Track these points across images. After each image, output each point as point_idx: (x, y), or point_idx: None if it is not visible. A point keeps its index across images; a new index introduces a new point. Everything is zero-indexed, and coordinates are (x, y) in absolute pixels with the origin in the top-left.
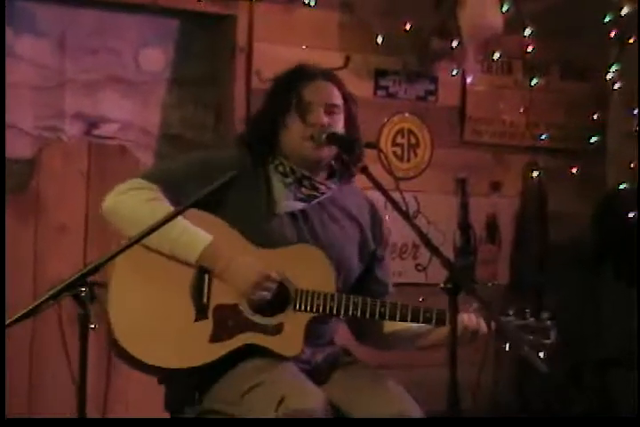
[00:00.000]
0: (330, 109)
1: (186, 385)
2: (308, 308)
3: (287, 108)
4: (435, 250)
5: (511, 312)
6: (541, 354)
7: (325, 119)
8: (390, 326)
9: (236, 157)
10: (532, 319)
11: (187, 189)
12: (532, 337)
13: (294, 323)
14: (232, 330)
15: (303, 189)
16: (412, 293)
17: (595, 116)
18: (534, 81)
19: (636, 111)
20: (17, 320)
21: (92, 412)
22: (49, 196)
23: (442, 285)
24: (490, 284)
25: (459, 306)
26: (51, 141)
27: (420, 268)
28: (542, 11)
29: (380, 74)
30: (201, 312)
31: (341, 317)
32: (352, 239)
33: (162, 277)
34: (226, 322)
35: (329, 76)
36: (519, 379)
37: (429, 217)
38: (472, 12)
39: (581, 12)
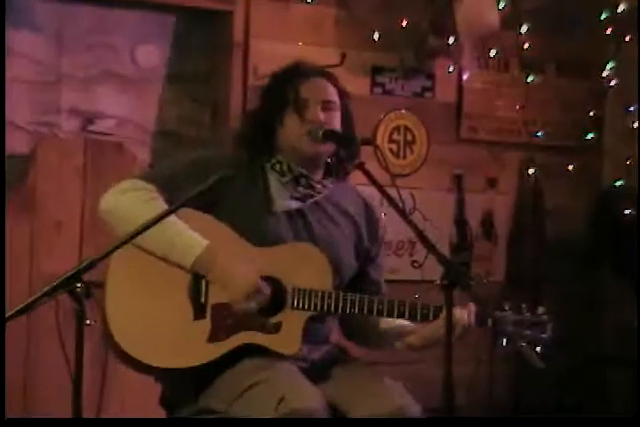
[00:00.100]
0: (326, 106)
1: (183, 384)
2: (306, 306)
3: (284, 105)
4: (431, 247)
5: (507, 307)
6: (538, 349)
7: (322, 116)
8: (385, 324)
9: (233, 155)
10: (528, 314)
11: (184, 190)
12: (528, 332)
13: (292, 321)
14: (230, 329)
15: (300, 189)
16: (408, 290)
17: (591, 113)
18: (530, 78)
19: (632, 108)
20: (12, 316)
21: (88, 411)
22: (45, 192)
23: (438, 281)
24: (485, 280)
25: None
26: (46, 137)
27: (416, 264)
28: (539, 8)
29: (376, 71)
30: (199, 312)
31: (339, 314)
32: (348, 238)
33: (159, 276)
34: (224, 321)
35: (324, 73)
36: (515, 376)
37: (425, 214)
38: (468, 9)
39: (578, 9)
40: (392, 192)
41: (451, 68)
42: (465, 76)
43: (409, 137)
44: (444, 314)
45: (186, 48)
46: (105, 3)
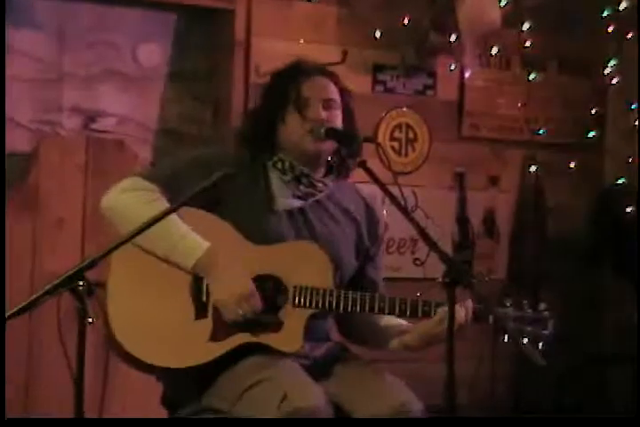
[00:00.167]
0: (328, 105)
1: (185, 383)
2: (307, 304)
3: (285, 103)
4: (433, 244)
5: (508, 304)
6: (539, 345)
7: (324, 114)
8: (383, 323)
9: (235, 154)
10: (529, 311)
11: (185, 188)
12: (529, 328)
13: (294, 319)
14: (231, 328)
15: (301, 187)
16: (410, 287)
17: (593, 111)
18: (532, 76)
19: (634, 106)
20: (14, 315)
21: (89, 411)
22: (47, 190)
23: (440, 279)
24: (487, 278)
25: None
26: (48, 135)
27: (418, 262)
28: (540, 5)
29: (377, 69)
30: (200, 311)
31: (341, 312)
32: (349, 237)
33: (160, 275)
34: (225, 320)
35: (326, 71)
36: (516, 375)
37: (427, 211)
38: (470, 7)
39: (579, 7)
40: (394, 190)
41: (452, 66)
42: (466, 74)
43: (411, 135)
44: (436, 311)
45: (187, 46)
46: (107, 1)
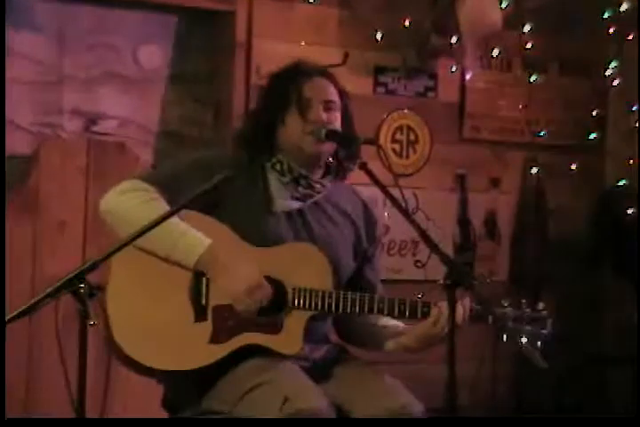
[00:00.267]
0: (328, 106)
1: (185, 386)
2: (307, 306)
3: (286, 104)
4: (434, 246)
5: (507, 304)
6: (538, 344)
7: (324, 116)
8: (380, 324)
9: (231, 155)
10: (528, 310)
11: (184, 190)
12: (528, 328)
13: (293, 321)
14: (231, 331)
15: (300, 189)
16: (411, 289)
17: (594, 113)
18: (533, 77)
19: (635, 107)
20: (15, 317)
21: (90, 414)
22: (48, 192)
23: (441, 281)
24: (489, 280)
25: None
26: (49, 138)
27: (419, 264)
28: (541, 7)
29: (379, 70)
30: (200, 313)
31: (339, 314)
32: (347, 239)
33: (160, 278)
34: (225, 323)
35: (325, 72)
36: (516, 376)
37: (428, 213)
38: (471, 9)
39: (580, 9)
40: (395, 192)
41: (453, 68)
42: (467, 76)
43: (412, 137)
44: (433, 312)
45: (188, 48)
46: (106, 3)
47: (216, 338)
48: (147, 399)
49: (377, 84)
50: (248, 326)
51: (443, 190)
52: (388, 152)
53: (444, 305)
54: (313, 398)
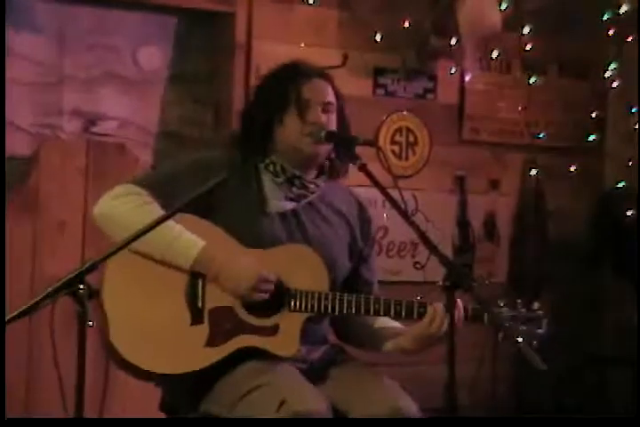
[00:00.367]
0: (326, 108)
1: (183, 389)
2: (303, 307)
3: (285, 105)
4: (433, 248)
5: (502, 304)
6: (534, 343)
7: (323, 117)
8: (378, 325)
9: (226, 156)
10: (523, 310)
11: (177, 193)
12: (524, 327)
13: (290, 323)
14: (228, 333)
15: (294, 189)
16: (410, 291)
17: (593, 115)
18: (533, 79)
19: (634, 109)
20: (14, 318)
21: (89, 414)
22: (47, 193)
23: (440, 283)
24: (488, 282)
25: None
26: (49, 139)
27: (418, 266)
28: (541, 8)
29: (378, 72)
30: (196, 316)
31: (336, 315)
32: (342, 239)
33: (155, 282)
34: (222, 325)
35: (323, 74)
36: (516, 376)
37: (428, 215)
38: (471, 10)
39: (580, 10)
40: (394, 194)
41: (453, 70)
42: (467, 78)
43: (411, 138)
44: (429, 311)
45: (188, 49)
46: (106, 4)
47: (213, 341)
48: (145, 402)
49: (376, 85)
50: (244, 329)
51: (442, 192)
52: (387, 154)
53: (439, 305)
54: (310, 401)
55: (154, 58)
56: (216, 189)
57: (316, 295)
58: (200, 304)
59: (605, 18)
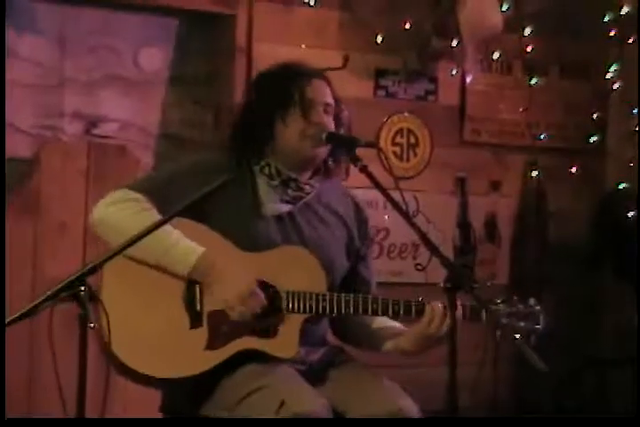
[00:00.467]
0: (326, 109)
1: (183, 393)
2: (301, 309)
3: (288, 104)
4: (434, 249)
5: (499, 300)
6: (532, 339)
7: (325, 118)
8: (377, 325)
9: (221, 159)
10: (520, 306)
11: (174, 197)
12: (522, 324)
13: (288, 325)
14: (227, 336)
15: (289, 191)
16: (411, 292)
17: (594, 116)
18: (534, 80)
19: (635, 111)
20: (15, 320)
21: (91, 412)
22: (48, 195)
23: (441, 284)
24: (489, 283)
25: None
26: (50, 141)
27: (419, 267)
28: (542, 10)
29: (379, 73)
30: (195, 320)
31: (334, 315)
32: (339, 239)
33: (153, 286)
34: (220, 328)
35: (322, 75)
36: (517, 378)
37: (429, 216)
38: (472, 12)
39: (581, 12)
40: (395, 195)
41: (454, 71)
42: (468, 79)
43: (412, 140)
44: (427, 311)
45: (188, 51)
46: (108, 6)
47: (212, 344)
48: (145, 404)
49: (377, 87)
50: (244, 331)
51: (443, 193)
52: (388, 155)
53: (437, 304)
54: (309, 402)
55: (155, 60)
56: (212, 192)
57: (314, 296)
58: (198, 308)
59: (607, 19)
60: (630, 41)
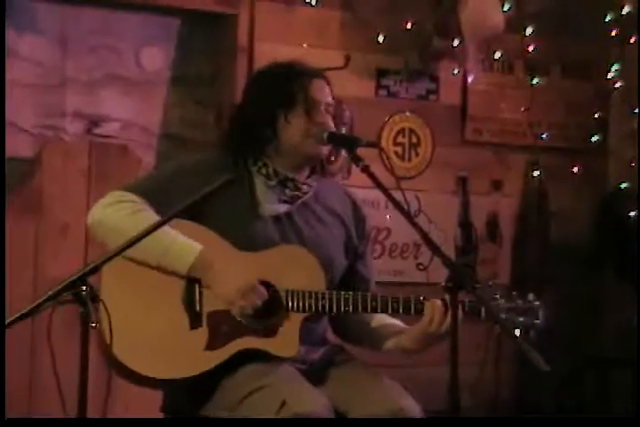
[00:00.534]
0: (327, 108)
1: (184, 393)
2: (300, 307)
3: (291, 103)
4: (436, 249)
5: (498, 296)
6: (532, 333)
7: (327, 118)
8: (376, 322)
9: (219, 159)
10: (520, 301)
11: (170, 197)
12: (522, 319)
13: (288, 324)
14: (227, 336)
15: (287, 191)
16: (413, 292)
17: (596, 115)
18: (535, 80)
19: (636, 110)
20: (17, 320)
21: (92, 412)
22: (50, 195)
23: (443, 284)
24: (491, 282)
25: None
26: (52, 140)
27: (421, 267)
28: (543, 10)
29: (381, 73)
30: (195, 320)
31: (334, 314)
32: (337, 238)
33: (152, 287)
34: (220, 328)
35: (323, 75)
36: (519, 377)
37: (430, 216)
38: (473, 11)
39: (582, 11)
40: (397, 195)
41: (455, 71)
42: (469, 79)
43: (414, 139)
44: (427, 310)
45: (190, 51)
46: (109, 6)
47: (212, 344)
48: (147, 404)
49: (379, 86)
50: (244, 331)
51: (445, 193)
52: (390, 155)
53: (437, 302)
54: (310, 402)
55: (156, 59)
56: (213, 192)
57: (313, 295)
58: (198, 308)
59: (608, 19)
60: (631, 41)
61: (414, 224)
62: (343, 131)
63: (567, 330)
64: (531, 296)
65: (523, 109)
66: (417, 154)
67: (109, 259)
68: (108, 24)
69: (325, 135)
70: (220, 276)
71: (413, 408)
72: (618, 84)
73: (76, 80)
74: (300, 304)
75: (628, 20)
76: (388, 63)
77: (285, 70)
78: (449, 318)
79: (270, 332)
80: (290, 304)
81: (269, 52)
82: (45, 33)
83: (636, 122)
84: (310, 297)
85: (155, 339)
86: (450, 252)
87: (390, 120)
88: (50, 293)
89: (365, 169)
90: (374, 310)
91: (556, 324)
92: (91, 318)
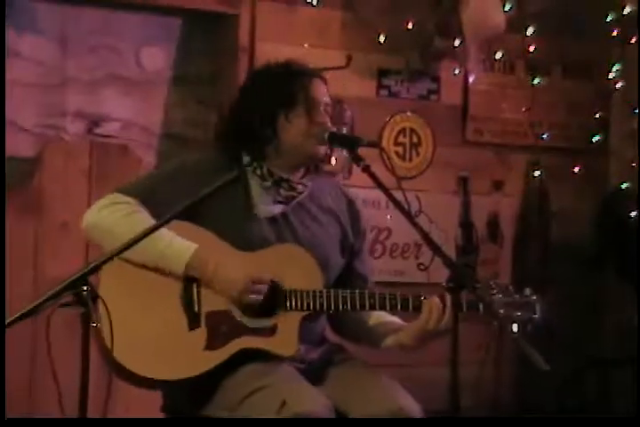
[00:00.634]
0: (326, 108)
1: (184, 394)
2: (299, 306)
3: (292, 103)
4: (437, 249)
5: (495, 291)
6: (528, 328)
7: (327, 118)
8: (374, 320)
9: (215, 160)
10: (516, 296)
11: (165, 198)
12: (519, 313)
13: (287, 322)
14: (226, 336)
15: (282, 191)
16: (413, 292)
17: (597, 116)
18: (536, 80)
19: (637, 110)
20: (17, 320)
21: (93, 412)
22: (50, 194)
23: (444, 284)
24: (492, 282)
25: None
26: (52, 140)
27: (422, 267)
28: (544, 10)
29: (382, 73)
30: (193, 321)
31: (332, 312)
32: (333, 236)
33: (150, 289)
34: (219, 328)
35: (321, 75)
36: (519, 377)
37: (431, 216)
38: (474, 11)
39: (583, 11)
40: (398, 195)
41: (456, 71)
42: (470, 79)
43: (415, 139)
44: (425, 308)
45: (192, 51)
46: (110, 5)
47: (211, 344)
48: (147, 404)
49: (380, 86)
50: (242, 331)
51: (445, 193)
52: (390, 155)
53: (435, 299)
54: (311, 402)
55: (157, 59)
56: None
57: (311, 293)
58: (196, 308)
59: (609, 19)
60: (632, 41)
61: (415, 224)
62: (344, 131)
63: (568, 330)
64: (527, 291)
65: (524, 109)
66: (418, 154)
67: (110, 259)
68: (109, 24)
69: (326, 135)
70: (219, 271)
71: (413, 408)
72: (619, 85)
73: (76, 80)
74: (298, 303)
75: (629, 20)
76: (390, 63)
77: (285, 70)
78: (447, 315)
79: (269, 331)
80: (288, 303)
81: (270, 51)
82: (45, 33)
83: (636, 122)
84: (308, 296)
85: (153, 340)
86: (450, 252)
87: (391, 120)
88: (50, 293)
89: (366, 169)
90: (372, 308)
91: (557, 324)
92: (92, 317)
